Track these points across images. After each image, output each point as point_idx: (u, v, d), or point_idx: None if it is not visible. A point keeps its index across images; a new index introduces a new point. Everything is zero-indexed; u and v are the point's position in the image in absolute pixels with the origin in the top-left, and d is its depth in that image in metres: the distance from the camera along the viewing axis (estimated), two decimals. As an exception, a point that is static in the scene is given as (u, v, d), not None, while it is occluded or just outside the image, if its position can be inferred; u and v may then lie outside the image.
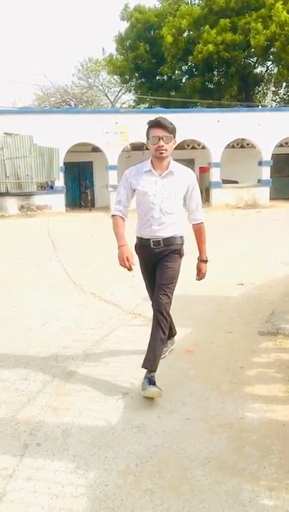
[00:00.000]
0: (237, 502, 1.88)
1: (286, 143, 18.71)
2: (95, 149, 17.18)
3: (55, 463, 2.16)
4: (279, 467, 2.10)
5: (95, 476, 2.07)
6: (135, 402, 2.70)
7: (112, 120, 16.01)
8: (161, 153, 2.76)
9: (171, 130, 2.76)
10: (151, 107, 22.97)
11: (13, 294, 5.34)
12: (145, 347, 2.83)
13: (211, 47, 20.24)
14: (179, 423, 2.48)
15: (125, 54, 24.99)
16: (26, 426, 2.48)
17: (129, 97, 31.53)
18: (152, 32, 24.31)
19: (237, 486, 1.98)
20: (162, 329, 2.80)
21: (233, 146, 18.34)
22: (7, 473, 2.09)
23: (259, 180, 17.48)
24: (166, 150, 2.77)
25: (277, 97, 28.27)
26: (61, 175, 16.00)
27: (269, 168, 17.28)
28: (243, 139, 18.07)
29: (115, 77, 28.40)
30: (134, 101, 29.50)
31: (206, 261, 3.09)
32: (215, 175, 16.98)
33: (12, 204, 15.54)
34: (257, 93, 27.13)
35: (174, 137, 2.81)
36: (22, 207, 15.63)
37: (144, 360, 2.80)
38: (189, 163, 17.70)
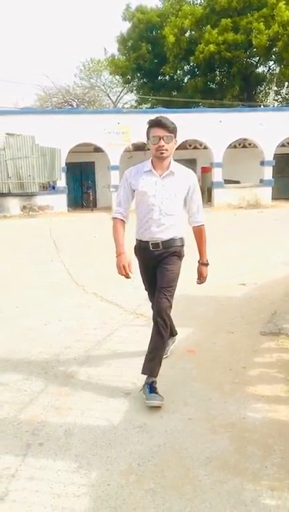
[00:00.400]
0: (239, 502, 1.89)
1: (288, 143, 18.67)
2: (97, 149, 17.19)
3: (57, 462, 2.17)
4: (281, 467, 2.10)
5: (97, 475, 2.07)
6: (137, 402, 2.70)
7: (114, 120, 16.02)
8: (162, 153, 2.71)
9: (171, 130, 2.70)
10: (153, 107, 22.99)
11: (15, 293, 5.35)
12: (147, 347, 2.81)
13: (212, 47, 20.23)
14: (181, 423, 2.48)
15: (127, 54, 25.02)
16: (29, 426, 2.49)
17: (131, 97, 31.62)
18: (154, 32, 24.31)
19: (239, 485, 1.98)
20: (162, 335, 2.75)
21: (235, 146, 18.34)
22: (10, 473, 2.10)
23: (261, 180, 17.46)
24: (166, 150, 2.71)
25: (279, 96, 28.22)
26: (63, 175, 16.01)
27: (271, 168, 17.28)
28: (245, 139, 18.04)
29: (117, 77, 28.39)
30: (136, 101, 29.51)
31: (206, 264, 3.02)
32: (217, 175, 16.96)
33: (14, 204, 15.55)
34: (259, 93, 27.11)
35: (175, 137, 2.75)
36: (24, 207, 15.65)
37: (144, 366, 2.75)
38: (191, 163, 17.72)
